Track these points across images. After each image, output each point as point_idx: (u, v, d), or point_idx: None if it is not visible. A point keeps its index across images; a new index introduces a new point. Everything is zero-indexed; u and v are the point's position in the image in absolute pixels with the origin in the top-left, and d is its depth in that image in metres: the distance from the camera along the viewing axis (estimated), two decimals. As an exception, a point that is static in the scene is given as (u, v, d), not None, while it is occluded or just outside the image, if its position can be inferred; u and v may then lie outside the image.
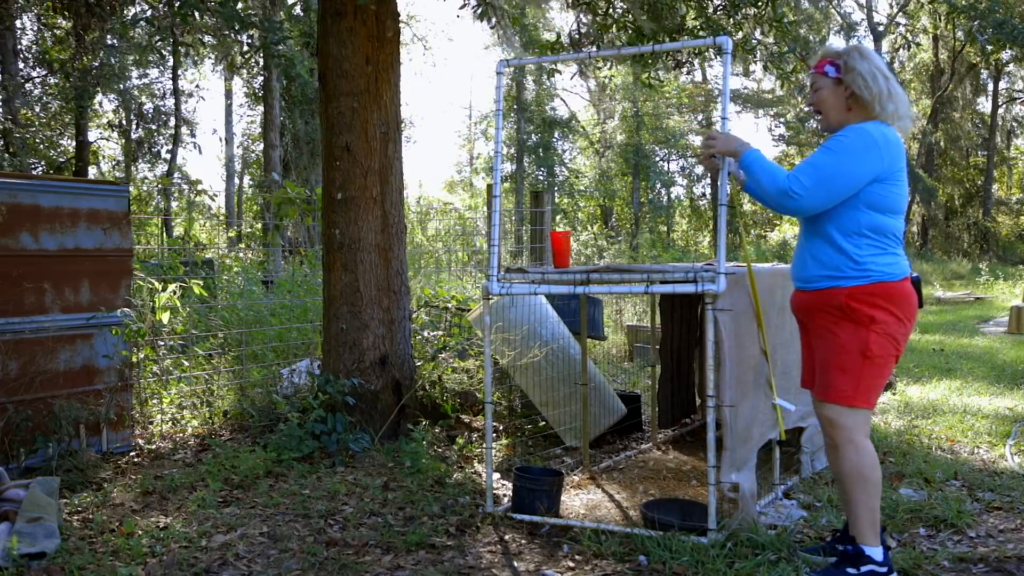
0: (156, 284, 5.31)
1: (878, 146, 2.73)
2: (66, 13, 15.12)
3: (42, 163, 16.37)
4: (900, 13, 31.96)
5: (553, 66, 13.01)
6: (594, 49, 6.86)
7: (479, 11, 6.57)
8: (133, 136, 19.85)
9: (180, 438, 4.89)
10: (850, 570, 2.77)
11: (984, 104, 33.51)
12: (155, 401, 5.21)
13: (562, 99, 33.20)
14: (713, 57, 7.04)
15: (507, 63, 3.80)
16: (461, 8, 6.56)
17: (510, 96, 31.67)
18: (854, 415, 2.77)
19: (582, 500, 3.92)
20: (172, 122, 19.96)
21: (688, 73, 7.50)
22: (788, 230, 35.92)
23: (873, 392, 2.79)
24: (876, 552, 2.77)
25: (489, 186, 6.75)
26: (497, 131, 3.76)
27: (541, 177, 28.81)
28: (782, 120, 34.50)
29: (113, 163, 21.53)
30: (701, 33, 6.28)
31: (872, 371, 2.75)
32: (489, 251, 3.79)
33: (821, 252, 2.82)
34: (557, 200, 29.56)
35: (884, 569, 2.76)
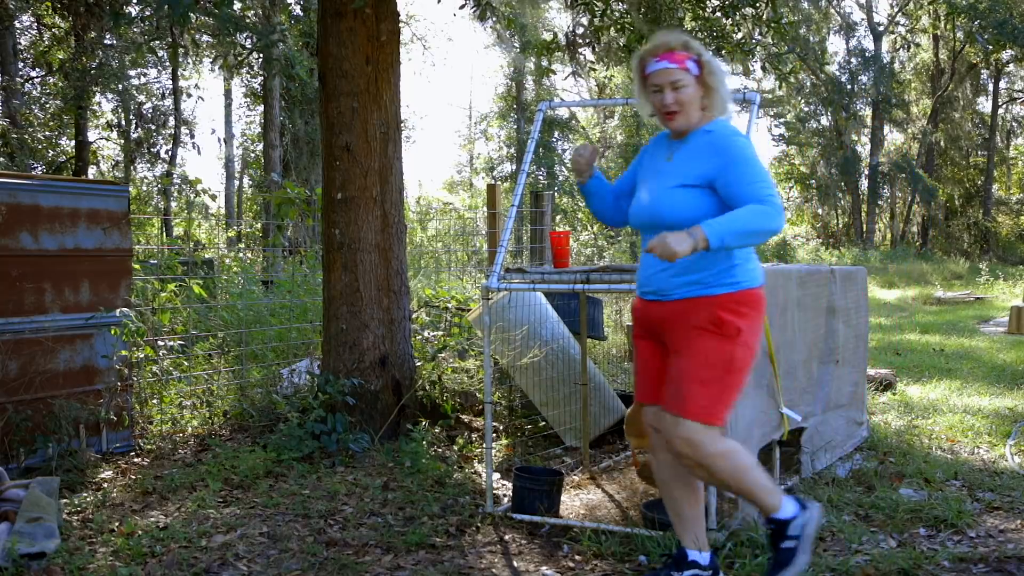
0: (156, 284, 5.31)
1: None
2: (65, 13, 15.14)
3: (41, 163, 16.36)
4: (900, 13, 31.97)
5: (550, 69, 12.98)
6: (619, 99, 6.85)
7: (478, 12, 6.57)
8: (132, 136, 19.83)
9: (180, 438, 4.89)
10: (784, 544, 2.65)
11: (984, 104, 33.52)
12: (155, 401, 5.21)
13: (561, 99, 33.16)
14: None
15: (549, 104, 3.95)
16: (460, 8, 6.56)
17: (510, 96, 31.68)
18: (712, 432, 2.60)
19: (582, 500, 3.92)
20: (171, 122, 19.96)
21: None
22: (788, 230, 35.93)
23: (729, 408, 2.65)
24: (788, 507, 2.65)
25: (490, 186, 6.75)
26: (525, 163, 3.89)
27: (541, 177, 28.80)
28: (782, 120, 34.50)
29: (112, 163, 21.53)
30: (700, 35, 6.28)
31: (734, 384, 2.63)
32: (497, 251, 3.79)
33: (683, 261, 2.58)
34: (557, 200, 29.56)
35: (805, 515, 2.65)
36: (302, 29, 13.21)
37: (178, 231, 17.23)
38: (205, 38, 12.49)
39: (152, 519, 3.55)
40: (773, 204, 2.52)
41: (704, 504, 2.86)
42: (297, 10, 15.21)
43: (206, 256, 9.39)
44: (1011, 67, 31.67)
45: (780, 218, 2.52)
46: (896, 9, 32.33)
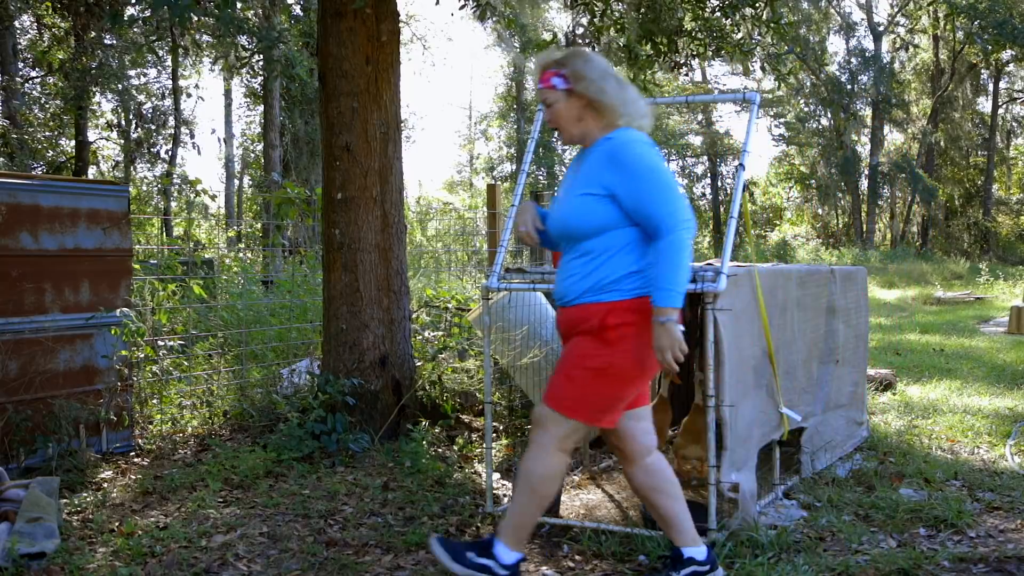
0: (156, 284, 5.31)
1: (654, 150, 2.68)
2: (65, 13, 15.13)
3: (41, 163, 16.36)
4: (900, 13, 31.97)
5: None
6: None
7: (478, 12, 6.57)
8: (132, 136, 19.84)
9: (180, 438, 4.89)
10: (470, 554, 2.72)
11: (984, 104, 33.54)
12: (155, 401, 5.21)
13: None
14: (712, 58, 7.04)
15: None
16: (460, 8, 6.56)
17: (510, 96, 31.68)
18: (561, 424, 2.65)
19: (582, 500, 3.92)
20: (171, 122, 19.96)
21: (687, 73, 7.51)
22: (788, 230, 35.95)
23: (600, 410, 2.66)
24: (508, 555, 2.71)
25: (490, 186, 6.75)
26: (525, 163, 3.96)
27: (541, 177, 28.80)
28: (782, 120, 34.51)
29: (112, 163, 21.53)
30: (699, 36, 6.29)
31: (605, 389, 2.64)
32: (497, 251, 3.79)
33: (584, 268, 2.67)
34: (557, 200, 29.48)
35: (504, 572, 2.70)
36: (302, 29, 13.20)
37: (178, 231, 17.23)
38: (205, 38, 12.49)
39: (152, 519, 3.55)
40: (676, 225, 2.54)
41: (685, 501, 2.86)
42: (297, 10, 15.21)
43: (206, 256, 9.39)
44: (1011, 67, 31.68)
45: (688, 233, 2.56)
46: (896, 9, 32.33)
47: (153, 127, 19.98)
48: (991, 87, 32.72)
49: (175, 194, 20.94)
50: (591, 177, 2.70)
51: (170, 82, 20.16)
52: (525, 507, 2.71)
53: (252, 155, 25.19)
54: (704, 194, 36.89)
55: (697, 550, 2.79)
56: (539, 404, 2.75)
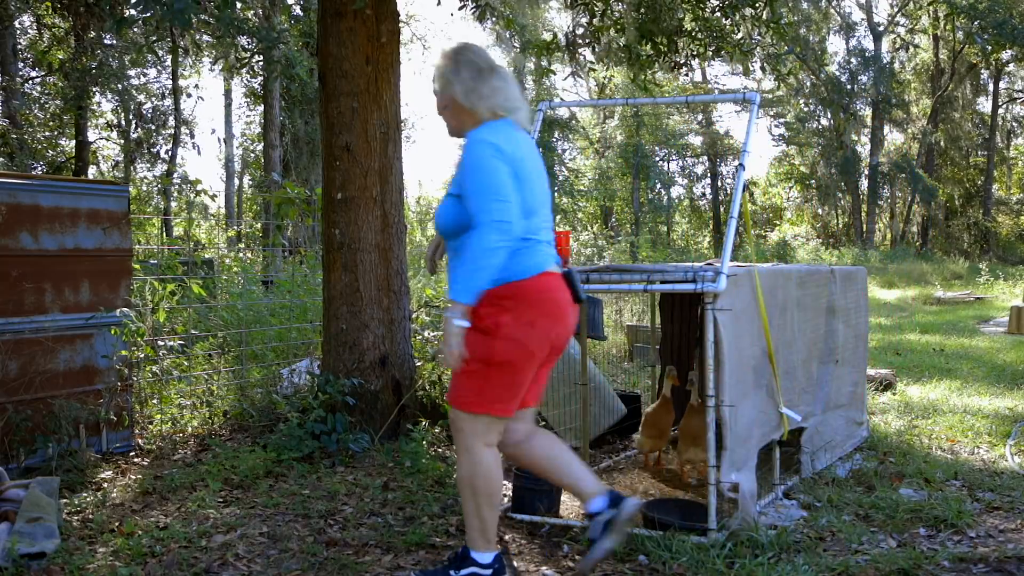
0: (156, 284, 5.31)
1: (496, 139, 2.64)
2: (65, 13, 15.14)
3: (41, 163, 16.36)
4: (900, 13, 31.97)
5: (550, 69, 13.01)
6: (619, 99, 6.85)
7: (477, 12, 6.57)
8: (132, 136, 19.84)
9: (180, 438, 4.89)
10: (451, 571, 2.77)
11: (984, 104, 33.55)
12: (155, 401, 5.21)
13: (561, 99, 33.17)
14: (712, 58, 7.04)
15: (549, 105, 3.94)
16: (460, 8, 6.56)
17: (510, 96, 31.66)
18: (473, 421, 2.69)
19: (582, 500, 3.92)
20: (171, 122, 19.97)
21: (687, 74, 7.50)
22: (788, 230, 35.96)
23: (501, 400, 2.68)
24: (483, 557, 2.74)
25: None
26: None
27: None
28: (782, 120, 34.52)
29: (112, 163, 21.53)
30: (699, 36, 6.28)
31: (499, 378, 2.65)
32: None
33: (455, 267, 2.73)
34: (557, 200, 29.56)
35: (488, 572, 2.73)
36: (302, 29, 13.20)
37: (178, 231, 17.24)
38: (205, 38, 12.49)
39: (152, 519, 3.55)
40: (482, 224, 2.54)
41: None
42: (297, 10, 15.21)
43: (206, 256, 9.40)
44: (1011, 67, 31.68)
45: (495, 235, 2.53)
46: (896, 9, 32.33)
47: (153, 127, 19.99)
48: (991, 87, 32.73)
49: (175, 194, 20.95)
50: (455, 177, 2.77)
51: (170, 82, 20.18)
52: (476, 511, 2.73)
53: (252, 155, 25.19)
54: (704, 194, 36.90)
55: (483, 555, 2.78)
56: (451, 410, 2.78)
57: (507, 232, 2.55)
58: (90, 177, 17.88)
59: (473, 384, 2.67)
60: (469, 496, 2.72)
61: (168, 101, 20.32)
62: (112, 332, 4.52)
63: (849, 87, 31.55)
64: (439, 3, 6.69)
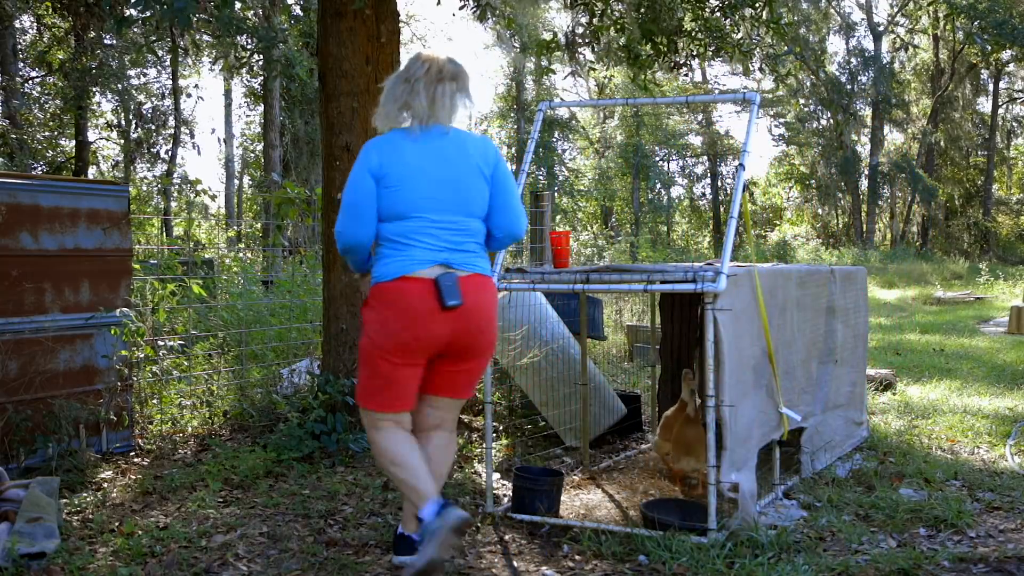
0: (156, 284, 5.31)
1: (367, 152, 2.76)
2: (65, 13, 15.14)
3: (41, 163, 16.36)
4: (900, 13, 31.97)
5: (550, 69, 12.97)
6: (619, 99, 6.85)
7: (477, 12, 6.57)
8: (132, 136, 19.84)
9: (180, 438, 4.89)
10: (415, 537, 2.85)
11: (984, 104, 33.54)
12: (155, 401, 5.21)
13: (561, 99, 33.18)
14: (711, 58, 7.04)
15: (549, 104, 3.97)
16: (460, 8, 6.56)
17: (510, 96, 31.68)
18: (365, 414, 2.87)
19: (582, 500, 3.92)
20: (171, 122, 19.97)
21: (687, 74, 7.50)
22: (788, 230, 35.96)
23: (374, 395, 2.80)
24: (426, 511, 2.70)
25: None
26: (525, 163, 4.02)
27: (541, 177, 28.81)
28: (782, 120, 34.51)
29: (112, 163, 21.54)
30: (699, 36, 6.28)
31: (364, 372, 2.81)
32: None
33: None
34: (557, 200, 29.57)
35: (434, 515, 2.67)
36: (302, 29, 13.20)
37: (178, 231, 17.24)
38: (205, 38, 12.49)
39: (152, 519, 3.55)
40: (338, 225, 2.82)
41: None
42: (297, 10, 15.21)
43: (206, 256, 9.40)
44: (1011, 67, 31.68)
45: (338, 244, 2.84)
46: (896, 9, 32.33)
47: (153, 127, 19.99)
48: (991, 87, 32.71)
49: (175, 194, 20.95)
50: None
51: (170, 82, 20.18)
52: (397, 481, 2.81)
53: (252, 155, 25.20)
54: (704, 194, 36.89)
55: (426, 509, 2.75)
56: None
57: (340, 239, 2.81)
58: (90, 177, 17.87)
59: (360, 379, 2.87)
60: (386, 470, 2.85)
61: (168, 101, 20.33)
62: (112, 332, 4.52)
63: (849, 87, 31.55)
64: (439, 3, 6.69)
